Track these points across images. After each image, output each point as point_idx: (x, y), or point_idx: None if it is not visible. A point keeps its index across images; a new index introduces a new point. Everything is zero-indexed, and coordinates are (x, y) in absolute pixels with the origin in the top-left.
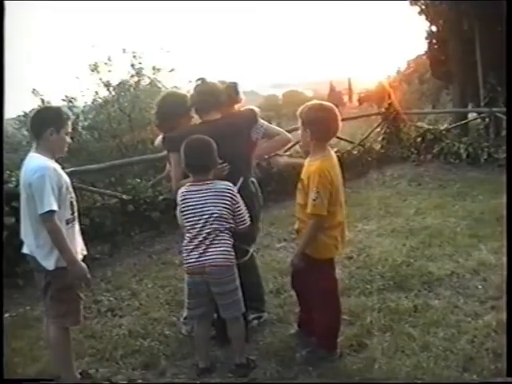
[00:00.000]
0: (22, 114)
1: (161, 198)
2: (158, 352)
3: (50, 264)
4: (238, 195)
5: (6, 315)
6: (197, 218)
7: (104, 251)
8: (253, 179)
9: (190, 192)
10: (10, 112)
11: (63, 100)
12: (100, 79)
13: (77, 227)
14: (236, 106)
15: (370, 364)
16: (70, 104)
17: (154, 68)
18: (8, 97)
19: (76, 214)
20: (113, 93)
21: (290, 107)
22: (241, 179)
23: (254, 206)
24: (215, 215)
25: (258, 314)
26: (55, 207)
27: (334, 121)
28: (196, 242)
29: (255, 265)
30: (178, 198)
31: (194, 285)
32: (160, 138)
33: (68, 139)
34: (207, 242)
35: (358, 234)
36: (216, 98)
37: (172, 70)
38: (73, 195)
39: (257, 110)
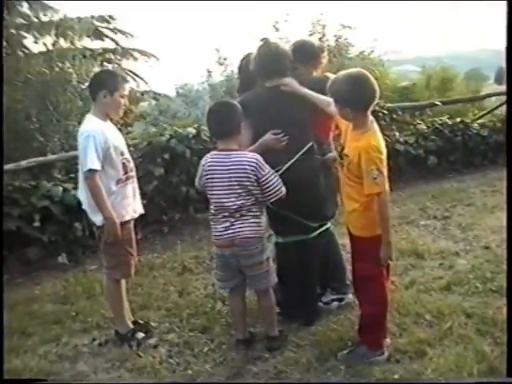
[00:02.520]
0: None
1: None
2: (220, 317)
3: (98, 219)
4: (264, 166)
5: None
6: (221, 193)
7: None
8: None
9: (215, 162)
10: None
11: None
12: (280, 38)
13: (131, 187)
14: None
15: (412, 378)
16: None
17: (341, 25)
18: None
19: (131, 174)
20: None
21: None
22: (308, 145)
23: (318, 182)
24: (239, 191)
25: (340, 296)
26: (96, 166)
27: (368, 87)
28: (221, 215)
29: (334, 243)
30: (201, 165)
31: (223, 257)
32: None
33: (124, 101)
34: (235, 216)
35: None
36: (277, 63)
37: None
38: (126, 156)
39: (331, 76)
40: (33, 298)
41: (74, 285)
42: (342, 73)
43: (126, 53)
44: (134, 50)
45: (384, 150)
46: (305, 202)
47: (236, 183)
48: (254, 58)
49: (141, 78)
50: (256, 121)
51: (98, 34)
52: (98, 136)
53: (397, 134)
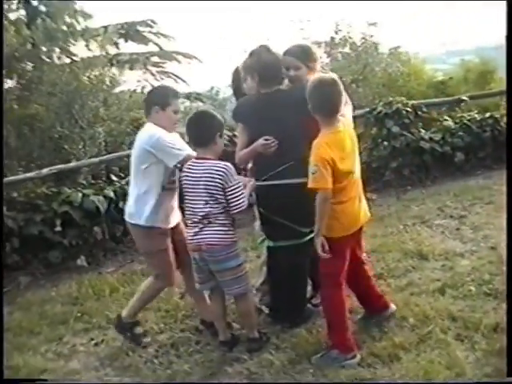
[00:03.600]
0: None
1: None
2: None
3: (140, 221)
4: (232, 177)
5: None
6: (191, 199)
7: None
8: None
9: (189, 170)
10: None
11: None
12: (304, 38)
13: (173, 196)
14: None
15: None
16: None
17: (367, 23)
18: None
19: (175, 186)
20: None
21: None
22: None
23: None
24: (207, 198)
25: None
26: (186, 152)
27: (335, 94)
28: (192, 221)
29: None
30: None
31: (195, 261)
32: None
33: (176, 117)
34: (203, 222)
35: None
36: (274, 71)
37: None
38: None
39: None
40: (47, 300)
41: (87, 286)
42: (318, 75)
43: (169, 56)
44: (177, 53)
45: (335, 153)
46: (296, 208)
47: (204, 191)
48: (246, 65)
49: (183, 81)
50: (251, 126)
51: (142, 39)
52: (165, 137)
53: (422, 131)
